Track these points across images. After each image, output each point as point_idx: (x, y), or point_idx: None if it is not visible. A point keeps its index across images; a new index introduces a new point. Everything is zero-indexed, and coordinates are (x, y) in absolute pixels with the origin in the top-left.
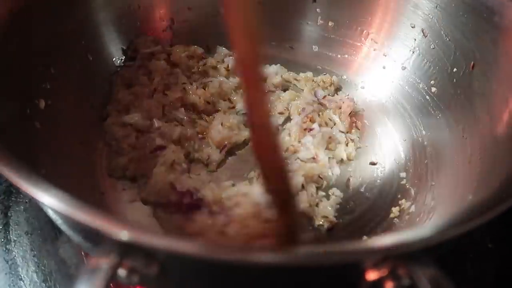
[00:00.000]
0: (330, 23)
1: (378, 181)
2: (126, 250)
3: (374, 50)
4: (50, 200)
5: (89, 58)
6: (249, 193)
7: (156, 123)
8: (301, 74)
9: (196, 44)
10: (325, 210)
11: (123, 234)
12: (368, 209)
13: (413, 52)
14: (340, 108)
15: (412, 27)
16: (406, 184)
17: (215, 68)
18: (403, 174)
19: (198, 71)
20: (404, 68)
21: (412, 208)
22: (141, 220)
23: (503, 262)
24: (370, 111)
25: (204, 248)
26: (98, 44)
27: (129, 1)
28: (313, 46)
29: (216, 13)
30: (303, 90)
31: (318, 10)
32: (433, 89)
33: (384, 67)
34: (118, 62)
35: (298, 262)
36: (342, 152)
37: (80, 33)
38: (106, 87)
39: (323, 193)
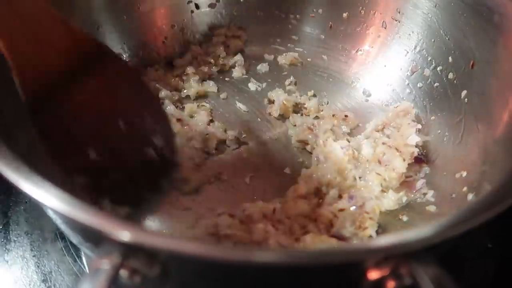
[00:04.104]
0: (329, 23)
1: None
2: (128, 250)
3: (372, 47)
4: (50, 200)
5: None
6: None
7: None
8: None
9: None
10: None
11: (125, 235)
12: None
13: (412, 52)
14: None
15: (411, 27)
16: None
17: None
18: None
19: None
20: (401, 69)
21: None
22: None
23: (503, 262)
24: (366, 111)
25: (206, 249)
26: None
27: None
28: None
29: None
30: None
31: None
32: (432, 89)
33: (383, 66)
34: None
35: (300, 262)
36: None
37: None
38: None
39: None
